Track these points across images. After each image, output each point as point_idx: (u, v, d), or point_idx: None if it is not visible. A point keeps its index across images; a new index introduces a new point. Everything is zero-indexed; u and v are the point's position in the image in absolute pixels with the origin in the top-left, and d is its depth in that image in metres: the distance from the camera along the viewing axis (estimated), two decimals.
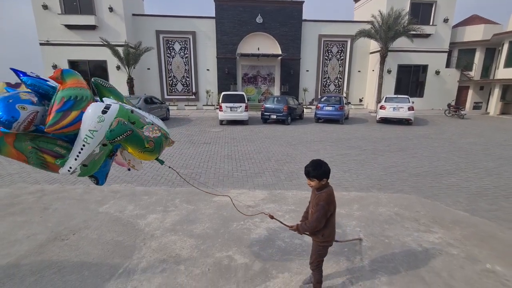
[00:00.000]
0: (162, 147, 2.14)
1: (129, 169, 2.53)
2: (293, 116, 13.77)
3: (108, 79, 17.17)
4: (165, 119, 14.19)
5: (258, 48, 19.56)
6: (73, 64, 17.58)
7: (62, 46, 17.22)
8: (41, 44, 17.15)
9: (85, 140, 1.88)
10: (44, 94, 2.00)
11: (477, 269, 2.59)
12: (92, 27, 17.09)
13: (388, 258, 2.74)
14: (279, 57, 19.65)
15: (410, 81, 20.81)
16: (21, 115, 1.75)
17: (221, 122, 13.13)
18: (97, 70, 17.91)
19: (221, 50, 19.39)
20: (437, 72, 20.38)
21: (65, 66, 17.13)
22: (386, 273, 2.51)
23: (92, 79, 2.26)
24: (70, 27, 17.01)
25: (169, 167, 2.32)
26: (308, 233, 2.12)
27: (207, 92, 19.83)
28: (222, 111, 12.59)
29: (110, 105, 1.98)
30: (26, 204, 3.95)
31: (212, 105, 19.61)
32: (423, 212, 3.80)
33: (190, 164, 6.27)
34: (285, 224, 2.28)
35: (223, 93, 13.56)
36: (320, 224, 1.99)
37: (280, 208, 3.85)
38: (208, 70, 20.13)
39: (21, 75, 1.94)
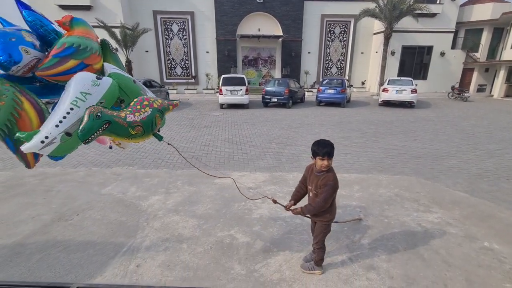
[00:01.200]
0: (155, 124, 1.88)
1: (110, 147, 2.34)
2: (294, 100, 13.62)
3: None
4: None
5: (259, 29, 19.01)
6: None
7: None
8: None
9: (74, 103, 1.56)
10: (43, 36, 1.73)
11: (475, 247, 2.63)
12: (87, 7, 16.55)
13: (387, 237, 2.78)
14: (280, 39, 19.14)
15: (414, 63, 20.36)
16: (23, 59, 1.51)
17: (222, 106, 13.01)
18: None
19: (221, 31, 18.86)
20: (442, 54, 19.88)
21: None
22: (385, 251, 2.56)
23: (102, 38, 2.04)
24: (64, 7, 16.45)
25: (168, 144, 2.26)
26: (310, 215, 2.13)
27: (207, 75, 19.49)
28: (222, 94, 12.43)
29: (102, 77, 1.75)
30: (29, 187, 3.99)
31: (212, 89, 19.34)
32: (423, 193, 3.82)
33: (191, 147, 6.27)
34: (287, 208, 2.26)
35: (223, 76, 13.34)
36: (327, 204, 2.02)
37: (281, 190, 3.88)
38: (207, 52, 19.69)
39: (22, 8, 1.66)
